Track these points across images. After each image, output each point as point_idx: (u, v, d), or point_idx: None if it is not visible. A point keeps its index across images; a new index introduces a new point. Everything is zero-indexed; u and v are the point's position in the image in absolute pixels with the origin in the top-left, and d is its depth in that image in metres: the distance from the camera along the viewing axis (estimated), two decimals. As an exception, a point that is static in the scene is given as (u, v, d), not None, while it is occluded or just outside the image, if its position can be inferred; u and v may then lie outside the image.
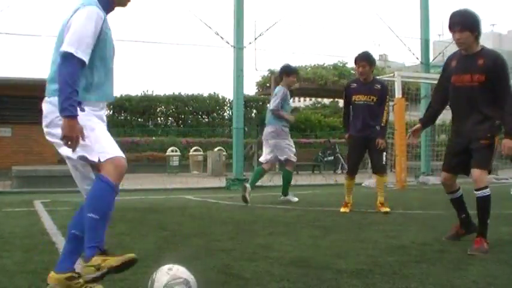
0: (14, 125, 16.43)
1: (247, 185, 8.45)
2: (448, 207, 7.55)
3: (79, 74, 2.98)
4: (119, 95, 26.56)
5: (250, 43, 13.48)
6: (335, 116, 34.85)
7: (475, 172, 4.52)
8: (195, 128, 28.16)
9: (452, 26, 4.52)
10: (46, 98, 3.23)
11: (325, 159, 22.83)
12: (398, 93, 13.59)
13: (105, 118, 3.30)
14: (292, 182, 9.18)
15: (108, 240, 4.75)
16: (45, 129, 3.24)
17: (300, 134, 28.52)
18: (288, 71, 8.64)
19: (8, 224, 6.08)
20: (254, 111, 30.73)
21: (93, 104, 3.15)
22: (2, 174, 14.40)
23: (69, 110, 2.91)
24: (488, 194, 4.52)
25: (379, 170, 7.53)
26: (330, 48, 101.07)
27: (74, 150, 2.97)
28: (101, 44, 3.13)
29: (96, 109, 3.17)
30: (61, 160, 17.39)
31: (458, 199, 4.97)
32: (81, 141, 2.97)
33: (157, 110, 29.06)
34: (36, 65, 72.55)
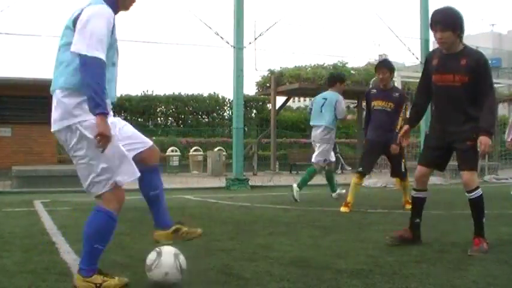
0: (14, 125, 16.43)
1: (295, 185, 8.69)
2: (448, 207, 7.58)
3: (103, 74, 3.06)
4: (118, 95, 26.44)
5: (250, 43, 13.50)
6: (335, 116, 34.85)
7: (466, 174, 4.47)
8: (195, 128, 28.19)
9: (434, 25, 4.40)
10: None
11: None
12: (398, 93, 13.59)
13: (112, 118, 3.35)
14: (292, 182, 9.18)
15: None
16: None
17: (299, 134, 28.54)
18: (342, 78, 9.52)
19: (8, 224, 6.08)
20: (254, 111, 30.77)
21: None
22: (2, 174, 14.40)
23: (103, 107, 3.00)
24: (480, 194, 4.46)
25: (397, 175, 7.79)
26: (329, 48, 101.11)
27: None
28: (110, 41, 3.21)
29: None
30: (61, 160, 17.39)
31: (421, 201, 4.82)
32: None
33: (157, 110, 29.10)
34: (36, 65, 72.59)
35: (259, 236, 5.17)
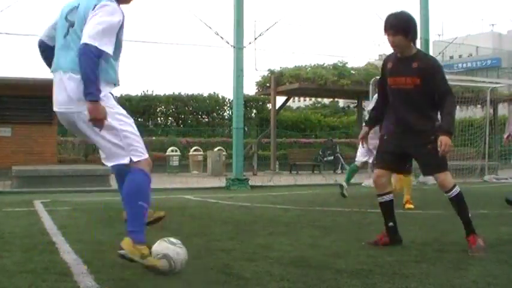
0: (14, 125, 16.42)
1: (344, 183, 9.09)
2: (448, 207, 7.57)
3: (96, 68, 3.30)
4: (118, 95, 26.45)
5: (250, 43, 13.51)
6: (335, 116, 34.90)
7: (440, 177, 4.49)
8: (195, 128, 28.18)
9: (387, 29, 4.47)
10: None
11: (325, 159, 22.87)
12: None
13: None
14: (292, 182, 9.19)
15: (109, 240, 4.77)
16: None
17: (299, 134, 28.56)
18: None
19: (8, 224, 6.07)
20: (254, 111, 30.76)
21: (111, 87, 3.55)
22: (2, 174, 14.39)
23: (95, 95, 3.24)
24: (459, 191, 4.48)
25: (406, 171, 7.72)
26: (329, 48, 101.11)
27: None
28: (118, 38, 3.48)
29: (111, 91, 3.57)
30: (61, 160, 17.38)
31: (388, 204, 4.73)
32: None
33: (157, 110, 29.09)
34: (36, 65, 72.54)
35: (259, 236, 5.17)
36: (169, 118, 29.47)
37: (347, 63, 22.85)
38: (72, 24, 3.51)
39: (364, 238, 5.07)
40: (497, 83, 19.56)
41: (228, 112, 29.55)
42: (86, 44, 3.26)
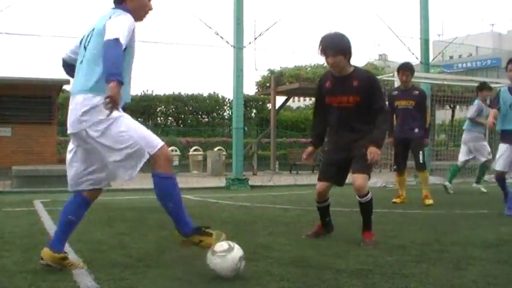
0: (14, 124, 16.42)
1: (447, 184, 10.28)
2: (448, 207, 7.58)
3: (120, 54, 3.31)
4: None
5: (250, 43, 13.49)
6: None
7: (359, 179, 4.73)
8: (195, 127, 28.17)
9: (325, 51, 4.65)
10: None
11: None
12: (398, 93, 13.61)
13: None
14: (292, 182, 9.19)
15: (109, 240, 4.78)
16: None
17: (300, 134, 28.53)
18: (482, 87, 10.45)
19: (8, 223, 6.08)
20: (254, 111, 30.75)
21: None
22: (2, 174, 14.40)
23: (120, 76, 3.22)
24: (370, 198, 4.79)
25: (419, 167, 8.38)
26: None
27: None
28: (129, 49, 3.52)
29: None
30: (61, 160, 17.35)
31: (326, 207, 5.11)
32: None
33: (157, 110, 29.07)
34: (36, 65, 72.56)
35: (259, 236, 5.17)
36: (169, 118, 29.46)
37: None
38: (86, 48, 3.59)
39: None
40: (497, 82, 19.51)
41: (228, 112, 29.54)
42: (108, 39, 3.29)
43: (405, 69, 8.20)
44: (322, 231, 5.15)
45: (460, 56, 54.98)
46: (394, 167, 8.58)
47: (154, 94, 29.02)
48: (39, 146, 16.68)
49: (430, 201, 8.00)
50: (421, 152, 8.09)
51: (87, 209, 3.91)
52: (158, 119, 29.40)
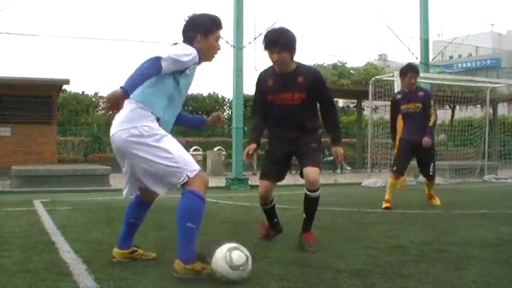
0: (14, 124, 16.42)
1: None
2: (447, 207, 7.58)
3: (152, 75, 3.38)
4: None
5: (249, 43, 13.48)
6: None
7: (313, 172, 4.51)
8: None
9: (270, 46, 4.49)
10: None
11: (325, 159, 22.84)
12: (397, 93, 13.62)
13: None
14: (292, 182, 9.16)
15: (109, 240, 4.77)
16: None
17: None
18: None
19: (8, 223, 6.07)
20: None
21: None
22: (2, 173, 14.41)
23: (126, 86, 3.20)
24: (319, 194, 4.62)
25: (429, 179, 8.07)
26: (329, 48, 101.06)
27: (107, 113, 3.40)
28: (183, 80, 3.65)
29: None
30: (61, 160, 17.34)
31: (273, 208, 4.95)
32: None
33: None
34: (36, 64, 72.52)
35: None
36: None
37: (346, 63, 22.90)
38: None
39: (363, 238, 5.08)
40: (496, 82, 19.54)
41: (227, 112, 29.54)
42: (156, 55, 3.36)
43: (413, 72, 7.80)
44: (272, 232, 4.98)
45: (459, 56, 54.96)
46: (394, 168, 7.98)
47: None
48: (39, 146, 16.69)
49: (437, 201, 7.98)
50: (432, 164, 7.80)
51: (148, 209, 4.03)
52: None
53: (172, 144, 3.52)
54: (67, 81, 17.30)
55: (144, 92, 3.49)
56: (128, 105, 3.41)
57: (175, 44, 3.73)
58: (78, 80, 62.90)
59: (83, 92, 28.89)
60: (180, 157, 3.51)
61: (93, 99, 28.82)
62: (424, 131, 7.60)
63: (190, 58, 3.54)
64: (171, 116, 3.72)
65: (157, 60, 3.34)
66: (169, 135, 3.58)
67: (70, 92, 27.32)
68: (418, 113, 7.71)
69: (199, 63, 3.72)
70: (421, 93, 7.82)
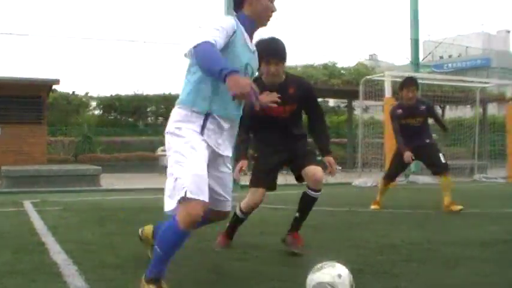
0: (4, 124, 16.32)
1: None
2: (438, 207, 7.60)
3: (214, 50, 2.86)
4: (108, 94, 26.55)
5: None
6: (325, 116, 34.87)
7: (318, 171, 4.36)
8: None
9: (271, 58, 4.21)
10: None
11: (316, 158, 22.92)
12: (388, 93, 13.70)
13: (225, 140, 3.42)
14: (288, 182, 9.17)
15: (99, 240, 4.76)
16: None
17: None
18: None
19: (-3, 224, 6.04)
20: (246, 110, 30.70)
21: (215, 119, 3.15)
22: (-8, 174, 14.33)
23: (225, 68, 2.72)
24: (320, 195, 4.50)
25: (443, 169, 7.54)
26: (320, 48, 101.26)
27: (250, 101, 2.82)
28: (228, 56, 3.01)
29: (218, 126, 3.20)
30: (50, 160, 17.25)
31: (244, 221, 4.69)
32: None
33: (148, 110, 29.02)
34: (26, 64, 72.17)
35: (250, 236, 5.16)
36: (159, 118, 29.38)
37: (337, 63, 22.98)
38: None
39: (354, 237, 5.09)
40: (486, 82, 19.64)
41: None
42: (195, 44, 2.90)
43: (411, 85, 7.45)
44: (228, 242, 4.65)
45: (449, 56, 55.22)
46: (385, 174, 7.92)
47: (144, 94, 28.95)
48: (29, 146, 16.60)
49: (458, 207, 7.24)
50: (441, 154, 7.49)
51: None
52: (149, 119, 29.34)
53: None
54: (57, 81, 17.23)
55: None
56: None
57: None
58: (68, 80, 62.74)
59: (73, 92, 28.82)
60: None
61: (84, 99, 28.73)
62: (423, 135, 7.47)
63: (226, 20, 3.07)
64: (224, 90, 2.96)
65: (198, 46, 2.89)
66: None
67: (60, 92, 27.23)
68: (418, 127, 7.49)
69: (254, 28, 3.28)
70: (422, 107, 7.50)
